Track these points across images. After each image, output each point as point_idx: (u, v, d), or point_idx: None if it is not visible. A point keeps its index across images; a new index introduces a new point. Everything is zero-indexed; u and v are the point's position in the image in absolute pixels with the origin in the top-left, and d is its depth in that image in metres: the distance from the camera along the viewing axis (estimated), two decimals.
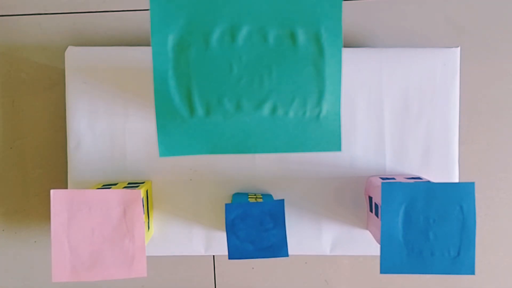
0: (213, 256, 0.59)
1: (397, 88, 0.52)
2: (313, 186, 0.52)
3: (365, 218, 0.53)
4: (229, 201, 0.52)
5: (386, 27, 0.57)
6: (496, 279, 0.59)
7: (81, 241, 0.42)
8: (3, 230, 0.59)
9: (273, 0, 0.36)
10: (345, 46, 0.37)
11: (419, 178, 0.50)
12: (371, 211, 0.50)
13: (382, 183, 0.41)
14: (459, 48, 0.52)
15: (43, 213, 0.59)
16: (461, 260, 0.41)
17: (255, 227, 0.45)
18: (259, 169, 0.52)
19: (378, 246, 0.42)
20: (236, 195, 0.51)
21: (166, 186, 0.52)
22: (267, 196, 0.51)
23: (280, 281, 0.60)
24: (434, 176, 0.52)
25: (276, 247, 0.45)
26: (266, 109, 0.37)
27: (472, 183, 0.41)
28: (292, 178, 0.52)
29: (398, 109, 0.52)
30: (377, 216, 0.46)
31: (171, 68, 0.36)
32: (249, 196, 0.50)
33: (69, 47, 0.52)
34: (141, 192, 0.43)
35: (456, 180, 0.52)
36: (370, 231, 0.51)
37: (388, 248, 0.41)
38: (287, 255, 0.45)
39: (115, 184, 0.50)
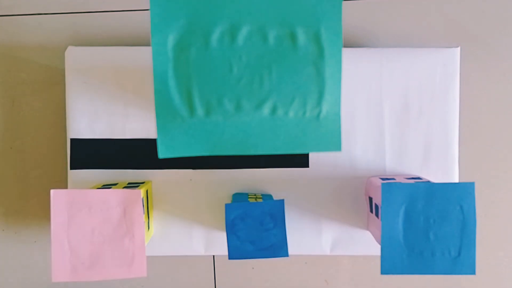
0: (213, 256, 0.59)
1: (397, 88, 0.52)
2: (313, 186, 0.52)
3: (365, 218, 0.53)
4: (229, 201, 0.52)
5: (386, 27, 0.57)
6: (496, 279, 0.59)
7: (81, 241, 0.42)
8: (3, 230, 0.59)
9: (273, 0, 0.36)
10: (345, 46, 0.37)
11: (419, 178, 0.50)
12: (371, 211, 0.50)
13: (382, 183, 0.41)
14: (459, 48, 0.52)
15: (43, 213, 0.59)
16: (461, 260, 0.41)
17: (255, 227, 0.45)
18: (259, 169, 0.52)
19: (378, 246, 0.42)
20: (236, 195, 0.51)
21: (166, 186, 0.52)
22: (267, 196, 0.51)
23: (280, 281, 0.60)
24: (434, 176, 0.52)
25: (276, 247, 0.45)
26: (266, 109, 0.37)
27: (472, 183, 0.41)
28: (292, 178, 0.52)
29: (398, 109, 0.52)
30: (377, 217, 0.46)
31: (171, 68, 0.36)
32: (249, 196, 0.50)
33: (69, 47, 0.52)
34: (141, 192, 0.43)
35: (456, 180, 0.52)
36: (370, 231, 0.51)
37: (389, 248, 0.41)
38: (287, 255, 0.45)
39: (115, 184, 0.50)
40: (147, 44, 0.37)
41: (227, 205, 0.45)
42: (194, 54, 0.36)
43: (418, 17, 0.57)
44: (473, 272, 0.41)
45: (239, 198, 0.49)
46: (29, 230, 0.59)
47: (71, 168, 0.52)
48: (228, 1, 0.36)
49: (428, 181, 0.46)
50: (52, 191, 0.42)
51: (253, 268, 0.60)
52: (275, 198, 0.52)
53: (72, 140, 0.52)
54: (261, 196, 0.50)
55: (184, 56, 0.36)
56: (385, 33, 0.57)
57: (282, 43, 0.36)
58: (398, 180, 0.48)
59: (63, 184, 0.57)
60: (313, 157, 0.52)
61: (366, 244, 0.53)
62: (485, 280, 0.59)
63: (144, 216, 0.44)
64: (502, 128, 0.57)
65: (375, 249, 0.52)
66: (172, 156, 0.37)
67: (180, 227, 0.53)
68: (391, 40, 0.57)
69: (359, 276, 0.59)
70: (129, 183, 0.50)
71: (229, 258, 0.45)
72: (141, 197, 0.43)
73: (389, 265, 0.41)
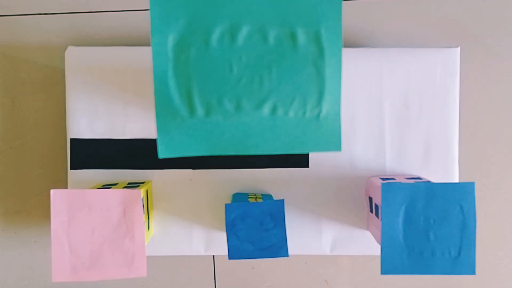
0: (213, 256, 0.59)
1: (397, 88, 0.52)
2: (313, 186, 0.52)
3: (365, 218, 0.53)
4: (229, 201, 0.52)
5: (386, 27, 0.57)
6: (496, 279, 0.59)
7: (81, 241, 0.42)
8: (3, 230, 0.59)
9: (273, 0, 0.36)
10: (345, 46, 0.37)
11: (419, 178, 0.50)
12: (371, 211, 0.50)
13: (382, 183, 0.41)
14: (459, 48, 0.52)
15: (43, 213, 0.59)
16: (461, 260, 0.41)
17: (255, 227, 0.45)
18: (259, 169, 0.52)
19: (378, 246, 0.42)
20: (236, 195, 0.51)
21: (166, 186, 0.52)
22: (267, 196, 0.51)
23: (280, 281, 0.60)
24: (434, 176, 0.52)
25: (276, 247, 0.45)
26: (266, 109, 0.37)
27: (472, 183, 0.41)
28: (292, 178, 0.52)
29: (398, 109, 0.52)
30: (378, 217, 0.46)
31: (171, 68, 0.36)
32: (249, 196, 0.50)
33: (69, 47, 0.52)
34: (141, 192, 0.43)
35: (456, 180, 0.52)
36: (370, 231, 0.51)
37: (389, 248, 0.41)
38: (287, 255, 0.45)
39: (115, 184, 0.50)
40: (147, 44, 0.37)
41: (227, 205, 0.45)
42: (194, 54, 0.36)
43: (418, 17, 0.57)
44: (473, 272, 0.41)
45: (239, 198, 0.49)
46: (29, 230, 0.59)
47: (71, 168, 0.52)
48: (228, 1, 0.36)
49: (428, 181, 0.46)
50: (52, 191, 0.42)
51: (253, 268, 0.60)
52: (275, 198, 0.52)
53: (72, 140, 0.52)
54: (261, 196, 0.50)
55: (184, 56, 0.36)
56: (385, 33, 0.57)
57: (282, 43, 0.36)
58: (398, 180, 0.48)
59: (63, 184, 0.57)
60: (313, 157, 0.52)
61: (366, 244, 0.53)
62: (485, 280, 0.59)
63: (144, 216, 0.44)
64: (502, 128, 0.57)
65: (375, 249, 0.52)
66: (172, 156, 0.37)
67: (180, 227, 0.53)
68: (391, 40, 0.57)
69: (359, 276, 0.59)
70: (129, 183, 0.50)
71: (229, 258, 0.45)
72: (141, 197, 0.43)
73: (389, 265, 0.41)
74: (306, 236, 0.53)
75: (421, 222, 0.41)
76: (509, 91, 0.57)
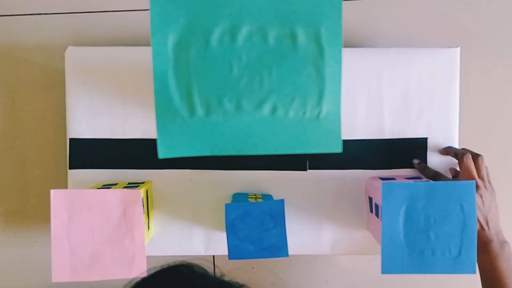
0: (213, 256, 0.59)
1: (397, 88, 0.52)
2: (313, 186, 0.52)
3: (365, 218, 0.53)
4: (229, 201, 0.52)
5: (386, 27, 0.57)
6: None
7: (81, 241, 0.42)
8: (3, 230, 0.59)
9: (273, 0, 0.36)
10: (345, 46, 0.37)
11: (419, 178, 0.50)
12: (371, 211, 0.50)
13: (383, 183, 0.41)
14: (459, 48, 0.52)
15: (43, 213, 0.59)
16: (462, 259, 0.41)
17: (255, 227, 0.45)
18: (259, 169, 0.52)
19: (378, 246, 0.42)
20: (236, 195, 0.51)
21: (166, 186, 0.52)
22: (267, 196, 0.51)
23: (280, 281, 0.60)
24: None
25: (276, 247, 0.45)
26: (266, 109, 0.37)
27: (472, 182, 0.41)
28: (292, 178, 0.52)
29: (398, 109, 0.52)
30: (378, 217, 0.46)
31: (171, 68, 0.36)
32: (249, 196, 0.50)
33: (69, 47, 0.52)
34: (141, 192, 0.43)
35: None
36: (370, 231, 0.51)
37: (389, 248, 0.41)
38: (287, 255, 0.45)
39: (115, 184, 0.50)
40: (147, 44, 0.37)
41: (227, 205, 0.45)
42: (194, 54, 0.36)
43: (418, 17, 0.57)
44: (473, 271, 0.41)
45: (239, 198, 0.49)
46: (29, 230, 0.59)
47: (70, 168, 0.52)
48: (228, 1, 0.36)
49: (428, 181, 0.46)
50: (52, 191, 0.42)
51: (253, 268, 0.60)
52: (275, 198, 0.52)
53: (71, 140, 0.52)
54: (261, 196, 0.50)
55: (184, 56, 0.36)
56: (385, 33, 0.57)
57: (282, 43, 0.36)
58: (398, 180, 0.48)
59: (63, 184, 0.57)
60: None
61: (366, 244, 0.53)
62: None
63: (144, 216, 0.44)
64: (502, 128, 0.57)
65: (375, 249, 0.52)
66: (172, 156, 0.37)
67: (180, 227, 0.53)
68: (391, 40, 0.57)
69: (359, 276, 0.59)
70: (129, 183, 0.50)
71: (229, 258, 0.45)
72: (141, 197, 0.43)
73: (389, 265, 0.41)
74: (306, 236, 0.53)
75: (421, 221, 0.41)
76: (509, 91, 0.57)
